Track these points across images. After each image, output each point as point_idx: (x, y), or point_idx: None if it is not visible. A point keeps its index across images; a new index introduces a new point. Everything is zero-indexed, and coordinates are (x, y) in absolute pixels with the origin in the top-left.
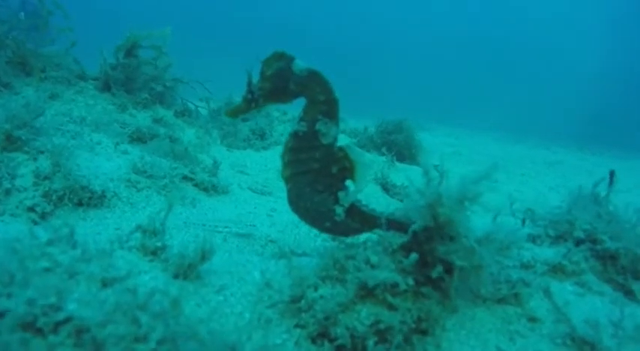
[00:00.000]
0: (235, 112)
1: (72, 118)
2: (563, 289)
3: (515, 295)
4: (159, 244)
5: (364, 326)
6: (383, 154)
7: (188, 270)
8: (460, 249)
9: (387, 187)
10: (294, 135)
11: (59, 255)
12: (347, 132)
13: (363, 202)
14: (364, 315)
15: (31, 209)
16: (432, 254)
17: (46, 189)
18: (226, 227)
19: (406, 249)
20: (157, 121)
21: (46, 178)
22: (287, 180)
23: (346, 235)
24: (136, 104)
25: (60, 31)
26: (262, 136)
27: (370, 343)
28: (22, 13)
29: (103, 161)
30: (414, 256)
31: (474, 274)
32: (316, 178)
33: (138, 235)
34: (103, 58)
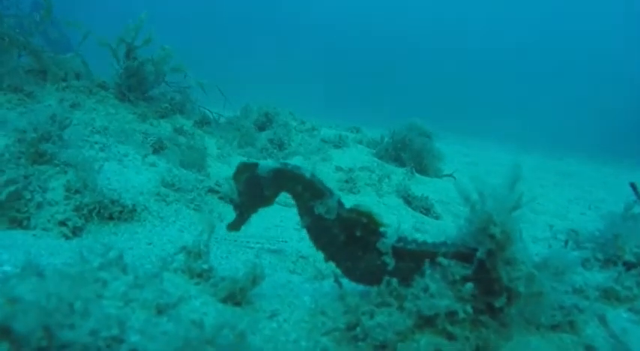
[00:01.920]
0: (235, 226)
1: (95, 128)
2: (618, 316)
3: (570, 322)
4: (205, 266)
5: None
6: (403, 165)
7: (239, 294)
8: (522, 276)
9: (408, 200)
10: (308, 230)
11: (113, 281)
12: (364, 143)
13: (407, 239)
14: (423, 344)
15: (63, 223)
16: (498, 282)
17: (77, 203)
18: (258, 243)
19: (469, 278)
20: (177, 130)
21: (77, 191)
22: (330, 261)
23: (408, 279)
24: (156, 113)
25: (68, 24)
26: (281, 146)
27: None
28: (36, 14)
29: (132, 174)
30: (469, 285)
31: (534, 302)
32: (348, 248)
33: (182, 256)
34: (114, 68)
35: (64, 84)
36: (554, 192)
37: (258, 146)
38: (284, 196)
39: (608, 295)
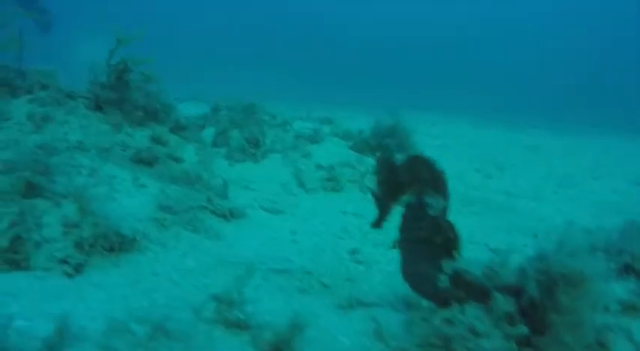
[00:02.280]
0: (379, 223)
1: (70, 143)
2: (637, 329)
3: (601, 342)
4: (241, 316)
5: None
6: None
7: (283, 347)
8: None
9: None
10: (407, 206)
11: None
12: (340, 135)
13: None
14: None
15: (64, 261)
16: (543, 322)
17: (77, 238)
18: (262, 263)
19: (517, 315)
20: (154, 139)
21: (75, 226)
22: (399, 246)
23: (446, 303)
24: (131, 122)
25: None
26: (256, 144)
27: None
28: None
29: (126, 199)
30: (523, 328)
31: (571, 332)
32: (422, 246)
33: (212, 304)
34: (94, 76)
35: (29, 96)
36: (525, 169)
37: (234, 145)
38: (269, 201)
39: (628, 306)
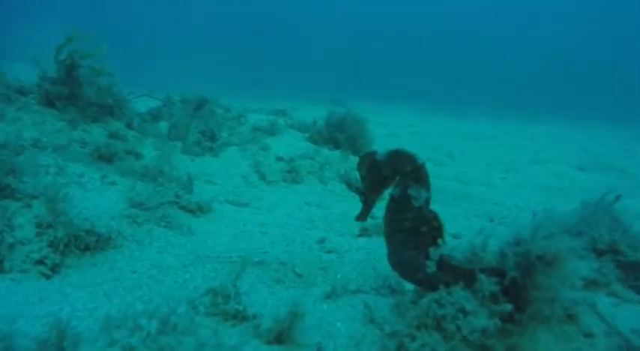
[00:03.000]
0: (363, 216)
1: (25, 141)
2: (601, 301)
3: (570, 315)
4: (240, 307)
5: None
6: (337, 148)
7: (284, 335)
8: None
9: (351, 185)
10: (391, 199)
11: (178, 346)
12: (296, 127)
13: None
14: None
15: (40, 262)
16: (525, 300)
17: (51, 238)
18: (240, 257)
19: (502, 293)
20: (112, 135)
21: (49, 226)
22: (385, 237)
23: (436, 287)
24: (86, 118)
25: None
26: (212, 137)
27: None
28: None
29: (97, 197)
30: (508, 306)
31: (548, 307)
32: (408, 236)
33: (208, 298)
34: (42, 71)
35: None
36: (473, 157)
37: (189, 139)
38: (233, 194)
39: (590, 282)
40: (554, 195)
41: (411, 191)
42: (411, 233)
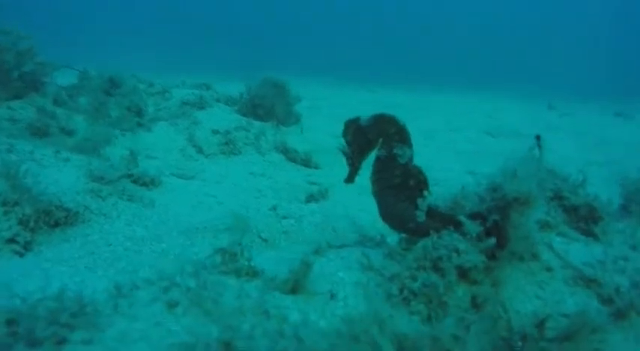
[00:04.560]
0: (351, 178)
1: None
2: (554, 241)
3: (533, 253)
4: (252, 263)
5: (466, 302)
6: (262, 120)
7: (296, 286)
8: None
9: (288, 154)
10: (377, 159)
11: (219, 297)
12: (223, 100)
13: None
14: (461, 293)
15: (12, 240)
16: (505, 238)
17: (20, 216)
18: (223, 224)
19: (485, 234)
20: (41, 111)
21: (15, 204)
22: (375, 195)
23: (427, 233)
24: (9, 95)
25: None
26: (139, 112)
27: (470, 314)
28: None
29: (56, 173)
30: (492, 240)
31: (521, 243)
32: (398, 191)
33: (218, 258)
34: None
35: None
36: None
37: (114, 115)
38: (176, 167)
39: (543, 225)
40: (472, 158)
41: (396, 150)
42: (400, 188)
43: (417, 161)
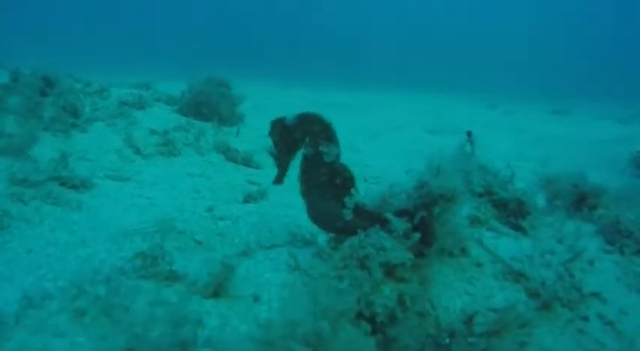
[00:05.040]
0: (279, 179)
1: None
2: (484, 236)
3: (462, 248)
4: (173, 268)
5: (393, 301)
6: (205, 120)
7: (219, 289)
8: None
9: (228, 155)
10: (304, 158)
11: (131, 305)
12: (163, 100)
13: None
14: (389, 291)
15: None
16: (433, 234)
17: None
18: (153, 227)
19: (412, 231)
20: None
21: None
22: (303, 194)
23: (355, 232)
24: None
25: None
26: (75, 112)
27: (399, 312)
28: None
29: None
30: (417, 235)
31: (449, 239)
32: (325, 189)
33: (138, 262)
34: None
35: None
36: (336, 124)
37: (48, 116)
38: (110, 169)
39: (473, 220)
40: (413, 156)
41: (322, 148)
42: (327, 186)
43: (360, 160)
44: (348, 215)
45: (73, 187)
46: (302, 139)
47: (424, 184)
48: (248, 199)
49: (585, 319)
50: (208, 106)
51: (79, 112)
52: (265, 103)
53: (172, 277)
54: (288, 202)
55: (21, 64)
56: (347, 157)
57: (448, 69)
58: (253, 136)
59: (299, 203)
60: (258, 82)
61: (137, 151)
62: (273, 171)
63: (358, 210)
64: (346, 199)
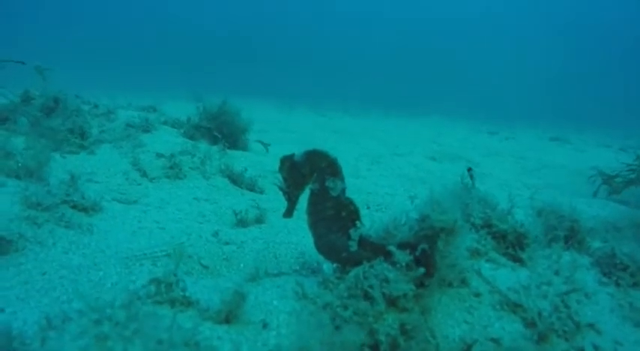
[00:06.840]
0: (289, 212)
1: None
2: (483, 267)
3: (462, 279)
4: (186, 294)
5: (395, 329)
6: (213, 142)
7: (230, 316)
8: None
9: (233, 178)
10: (312, 193)
11: (151, 331)
12: (169, 123)
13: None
14: (391, 321)
15: None
16: (434, 266)
17: None
18: (162, 251)
19: (414, 263)
20: None
21: None
22: (310, 226)
23: (360, 263)
24: None
25: None
26: (82, 134)
27: (401, 340)
28: None
29: None
30: (421, 270)
31: (450, 271)
32: (331, 222)
33: (152, 288)
34: None
35: None
36: (340, 150)
37: (57, 137)
38: (118, 192)
39: (473, 252)
40: (415, 183)
41: (328, 183)
42: (333, 219)
43: (363, 186)
44: (353, 247)
45: (84, 209)
46: (309, 175)
47: (425, 218)
48: (251, 222)
49: (581, 349)
50: (220, 131)
51: (86, 133)
52: (269, 127)
53: (186, 302)
54: (292, 228)
55: (28, 83)
56: (351, 184)
57: (449, 95)
58: (258, 160)
59: (303, 229)
60: (265, 106)
61: (144, 174)
62: (277, 196)
63: (363, 242)
64: (351, 232)
